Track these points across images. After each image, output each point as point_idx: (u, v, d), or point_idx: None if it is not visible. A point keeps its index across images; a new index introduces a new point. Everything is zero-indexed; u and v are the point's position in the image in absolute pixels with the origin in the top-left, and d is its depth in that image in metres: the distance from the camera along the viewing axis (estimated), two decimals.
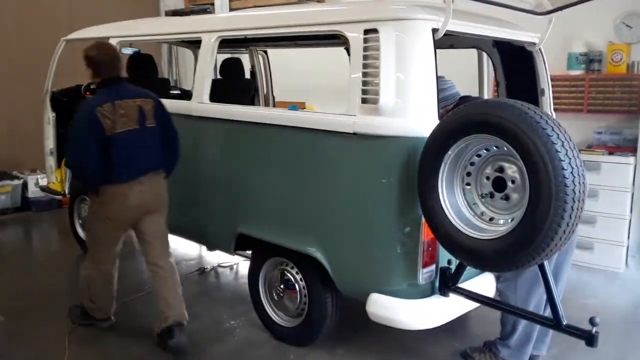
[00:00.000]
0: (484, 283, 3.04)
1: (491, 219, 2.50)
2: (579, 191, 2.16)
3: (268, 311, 3.49)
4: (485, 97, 3.97)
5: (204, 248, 4.79)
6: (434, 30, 2.68)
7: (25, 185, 6.44)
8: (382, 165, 2.76)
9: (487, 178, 2.50)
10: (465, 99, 3.09)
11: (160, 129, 3.32)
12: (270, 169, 3.28)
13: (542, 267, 2.48)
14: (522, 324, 2.95)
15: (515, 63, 3.64)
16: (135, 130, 3.18)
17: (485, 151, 2.48)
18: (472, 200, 2.54)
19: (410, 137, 2.67)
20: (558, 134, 2.18)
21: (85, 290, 3.49)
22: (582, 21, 4.74)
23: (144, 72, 4.62)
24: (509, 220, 2.41)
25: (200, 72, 3.67)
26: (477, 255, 2.42)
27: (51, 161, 5.08)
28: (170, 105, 3.70)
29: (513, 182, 2.40)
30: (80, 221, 4.95)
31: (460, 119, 2.45)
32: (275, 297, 3.43)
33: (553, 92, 3.64)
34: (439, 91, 2.81)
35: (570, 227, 2.18)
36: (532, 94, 3.55)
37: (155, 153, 3.31)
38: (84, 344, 3.40)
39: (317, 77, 6.11)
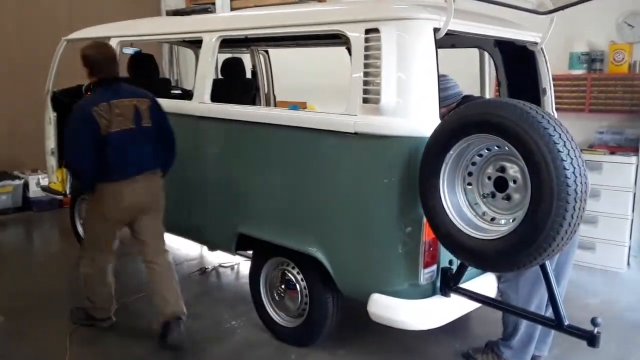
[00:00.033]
0: (486, 283, 3.03)
1: (493, 219, 2.50)
2: (581, 191, 2.15)
3: (269, 311, 3.49)
4: (487, 96, 3.97)
5: (205, 248, 4.78)
6: (436, 30, 2.67)
7: (26, 185, 6.45)
8: (383, 165, 2.75)
9: (489, 178, 2.49)
10: (467, 98, 3.09)
11: (156, 129, 3.33)
12: (271, 169, 3.27)
13: (543, 267, 2.48)
14: (524, 324, 2.94)
15: (517, 63, 3.63)
16: (131, 130, 3.20)
17: (486, 151, 2.47)
18: (473, 200, 2.54)
19: (411, 137, 2.66)
20: (560, 134, 2.17)
21: (83, 289, 3.49)
22: (584, 21, 4.73)
23: (145, 72, 4.62)
24: (511, 220, 2.40)
25: (201, 72, 3.67)
26: (479, 255, 2.42)
27: (52, 161, 5.08)
28: (171, 105, 3.70)
29: (515, 182, 2.39)
30: (81, 221, 4.95)
31: (461, 118, 2.44)
32: (276, 297, 3.42)
33: (555, 91, 3.63)
34: (441, 90, 2.81)
35: (572, 227, 2.17)
36: (534, 94, 3.55)
37: (151, 152, 3.32)
38: (84, 344, 3.40)
39: (318, 76, 6.11)
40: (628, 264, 4.70)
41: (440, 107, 2.74)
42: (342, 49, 4.56)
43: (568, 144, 2.16)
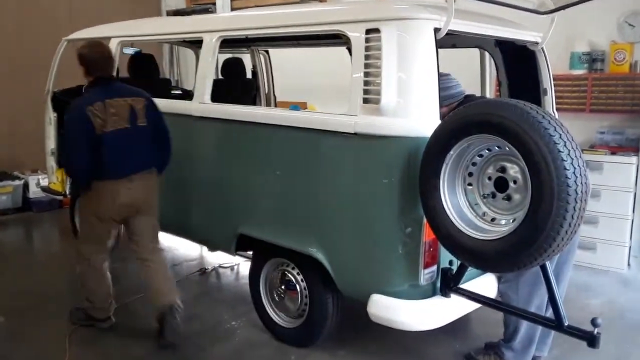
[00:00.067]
0: (486, 284, 3.02)
1: (493, 220, 2.49)
2: (581, 191, 2.14)
3: (269, 312, 3.48)
4: (488, 96, 3.96)
5: (205, 249, 4.79)
6: (436, 30, 2.67)
7: (26, 186, 6.45)
8: (383, 165, 2.75)
9: (489, 178, 2.48)
10: (469, 98, 3.08)
11: (152, 128, 3.33)
12: (272, 169, 3.27)
13: (543, 268, 2.47)
14: (525, 325, 2.93)
15: (518, 62, 3.63)
16: (126, 129, 3.20)
17: (487, 151, 2.47)
18: (473, 200, 2.53)
19: (411, 137, 2.66)
20: (560, 134, 2.16)
21: (82, 289, 3.50)
22: (585, 20, 4.73)
23: (145, 72, 4.63)
24: (511, 221, 2.40)
25: (202, 72, 3.66)
26: (479, 255, 2.41)
27: (52, 161, 5.07)
28: (172, 105, 3.70)
29: (515, 182, 2.39)
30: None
31: (461, 118, 2.44)
32: (276, 298, 3.42)
33: (555, 91, 3.63)
34: (443, 89, 2.81)
35: (573, 227, 2.17)
36: (535, 94, 3.54)
37: (147, 152, 3.32)
38: (84, 344, 3.40)
39: (318, 77, 6.11)
40: (628, 264, 4.70)
41: (441, 107, 2.74)
42: (343, 49, 4.56)
43: (568, 144, 2.16)
